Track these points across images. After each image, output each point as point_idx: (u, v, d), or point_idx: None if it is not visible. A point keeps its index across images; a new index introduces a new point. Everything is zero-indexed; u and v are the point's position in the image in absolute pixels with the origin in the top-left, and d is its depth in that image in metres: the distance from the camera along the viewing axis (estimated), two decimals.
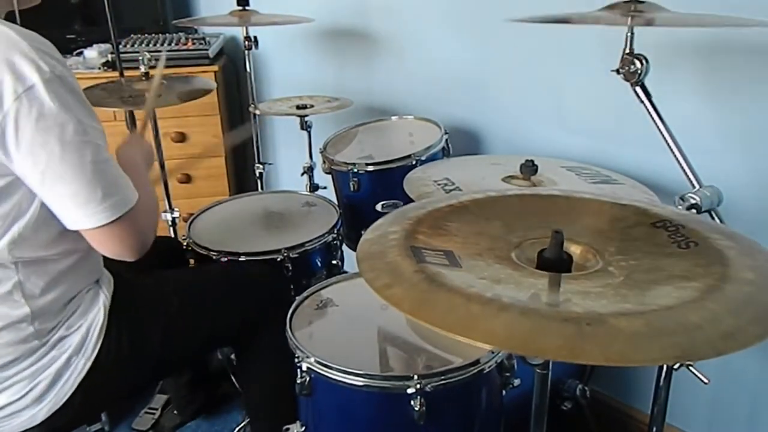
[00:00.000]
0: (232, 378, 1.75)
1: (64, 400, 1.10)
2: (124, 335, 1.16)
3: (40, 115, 0.93)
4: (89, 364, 1.12)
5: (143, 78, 1.81)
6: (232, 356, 1.51)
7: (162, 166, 1.93)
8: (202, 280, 1.42)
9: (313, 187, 1.98)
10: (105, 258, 1.14)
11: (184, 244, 1.61)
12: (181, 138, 2.39)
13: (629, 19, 1.03)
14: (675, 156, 1.07)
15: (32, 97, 0.92)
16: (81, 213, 0.99)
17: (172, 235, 2.00)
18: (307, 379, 1.09)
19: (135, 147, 1.33)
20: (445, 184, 1.29)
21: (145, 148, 1.37)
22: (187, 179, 2.45)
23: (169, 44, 2.36)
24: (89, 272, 1.14)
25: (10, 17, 1.11)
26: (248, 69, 2.13)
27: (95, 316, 1.13)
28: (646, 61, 1.06)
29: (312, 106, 1.93)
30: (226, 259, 1.52)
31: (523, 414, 0.96)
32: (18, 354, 1.06)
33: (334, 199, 1.80)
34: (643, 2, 1.07)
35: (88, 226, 1.00)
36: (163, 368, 1.33)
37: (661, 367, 1.02)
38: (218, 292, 1.37)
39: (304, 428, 1.17)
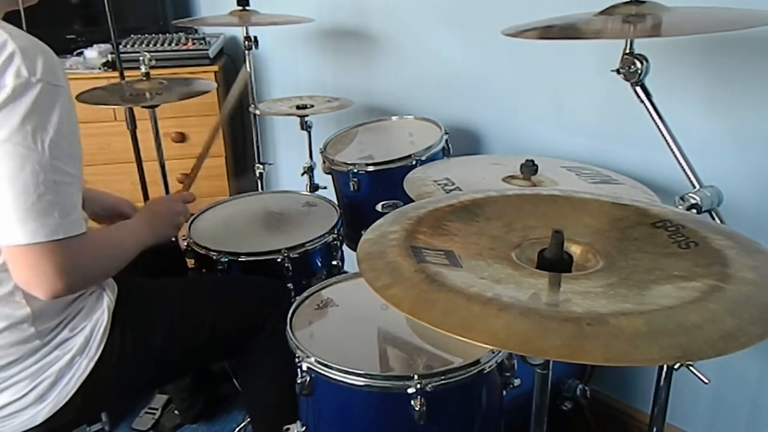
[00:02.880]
0: (233, 378, 1.75)
1: (66, 400, 1.10)
2: (127, 337, 1.16)
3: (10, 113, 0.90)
4: (92, 365, 1.12)
5: (143, 78, 1.81)
6: None
7: (162, 166, 1.94)
8: (204, 284, 1.43)
9: (313, 187, 1.98)
10: None
11: (185, 244, 1.61)
12: (181, 138, 2.39)
13: (631, 28, 1.03)
14: (675, 156, 1.07)
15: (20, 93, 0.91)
16: (8, 225, 0.93)
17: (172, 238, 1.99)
18: (308, 378, 1.09)
19: (155, 212, 1.32)
20: (445, 184, 1.29)
21: (166, 211, 1.35)
22: None
23: (169, 44, 2.37)
24: None
25: (12, 16, 1.11)
26: (248, 69, 2.13)
27: (99, 318, 1.14)
28: (647, 60, 1.06)
29: (312, 106, 1.93)
30: (226, 259, 1.52)
31: (523, 414, 0.96)
32: (20, 354, 1.06)
33: (335, 199, 1.80)
34: (644, 2, 1.07)
35: (8, 242, 0.94)
36: (166, 372, 1.33)
37: (661, 367, 1.02)
38: (219, 294, 1.37)
39: (304, 428, 1.17)
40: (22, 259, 0.95)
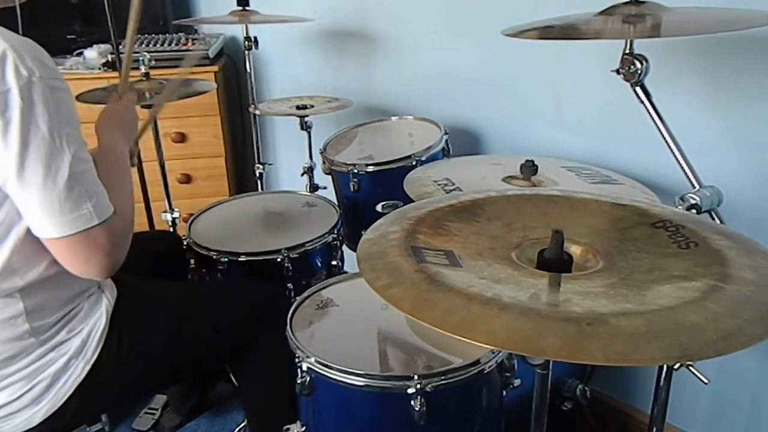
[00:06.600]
0: (232, 378, 1.75)
1: (62, 402, 1.10)
2: (125, 340, 1.16)
3: (10, 119, 0.92)
4: (88, 367, 1.12)
5: (143, 78, 1.81)
6: None
7: (162, 166, 1.93)
8: (204, 288, 1.43)
9: (313, 188, 1.98)
10: None
11: (184, 244, 1.61)
12: (181, 138, 2.39)
13: (630, 28, 1.02)
14: (675, 156, 1.07)
15: (6, 100, 0.91)
16: (45, 221, 0.97)
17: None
18: (308, 379, 1.09)
19: (114, 124, 1.27)
20: (445, 184, 1.29)
21: (122, 116, 1.30)
22: (187, 179, 2.46)
23: (169, 44, 2.37)
24: None
25: (7, 14, 1.11)
26: (248, 69, 2.14)
27: (97, 320, 1.13)
28: (646, 61, 1.06)
29: (312, 106, 1.93)
30: (226, 259, 1.52)
31: (523, 414, 0.96)
32: (14, 351, 1.06)
33: (334, 200, 1.80)
34: (644, 2, 1.07)
35: (49, 235, 0.98)
36: (164, 374, 1.33)
37: (661, 367, 1.02)
38: (219, 299, 1.37)
39: (304, 428, 1.17)
40: (66, 249, 1.00)
